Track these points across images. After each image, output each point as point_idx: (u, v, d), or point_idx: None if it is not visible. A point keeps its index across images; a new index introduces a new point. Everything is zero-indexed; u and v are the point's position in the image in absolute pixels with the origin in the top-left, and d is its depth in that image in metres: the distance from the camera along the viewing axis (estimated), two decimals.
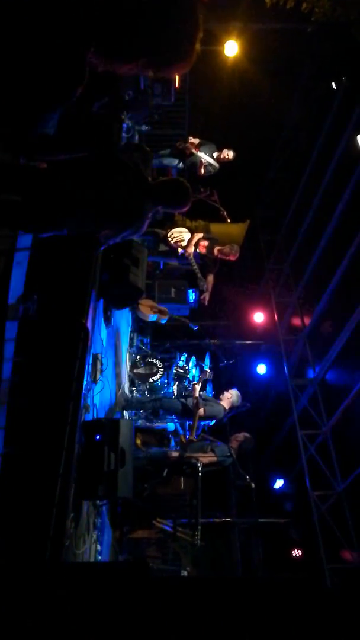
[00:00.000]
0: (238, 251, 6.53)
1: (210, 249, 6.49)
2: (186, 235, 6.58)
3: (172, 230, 6.62)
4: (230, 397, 6.10)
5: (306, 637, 2.63)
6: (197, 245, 6.51)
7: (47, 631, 2.44)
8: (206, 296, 6.73)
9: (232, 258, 6.50)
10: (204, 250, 6.51)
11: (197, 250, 6.53)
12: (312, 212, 9.12)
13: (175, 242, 6.51)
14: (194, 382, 6.25)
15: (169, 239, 6.54)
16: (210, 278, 6.66)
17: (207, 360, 7.22)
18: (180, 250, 6.49)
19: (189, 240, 6.49)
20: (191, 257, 6.42)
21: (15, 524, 2.66)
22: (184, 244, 6.49)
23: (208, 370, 6.54)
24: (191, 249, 6.41)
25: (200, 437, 5.88)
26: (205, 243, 6.53)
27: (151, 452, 5.72)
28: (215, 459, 5.51)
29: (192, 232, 6.67)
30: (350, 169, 7.56)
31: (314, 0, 6.42)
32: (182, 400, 6.08)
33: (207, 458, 5.44)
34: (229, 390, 6.21)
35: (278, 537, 9.25)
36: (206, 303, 6.84)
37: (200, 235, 6.58)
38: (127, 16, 1.34)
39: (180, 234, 6.58)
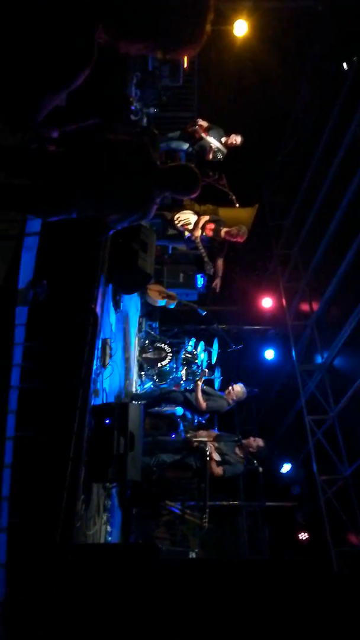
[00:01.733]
0: (246, 233, 6.35)
1: (217, 231, 6.36)
2: (193, 218, 6.48)
3: (179, 214, 6.54)
4: (235, 392, 6.07)
5: (313, 618, 2.67)
6: (204, 228, 6.37)
7: (58, 610, 2.50)
8: (218, 282, 6.61)
9: (239, 240, 6.33)
10: (210, 233, 6.38)
11: (204, 234, 6.42)
12: (322, 197, 9.01)
13: (182, 226, 6.43)
14: (197, 379, 6.24)
15: (176, 222, 6.47)
16: (220, 262, 6.51)
17: (214, 349, 7.19)
18: (187, 233, 6.41)
19: (196, 223, 6.37)
20: (198, 240, 6.31)
21: (27, 506, 2.71)
22: (190, 227, 6.40)
23: (207, 370, 6.52)
24: (198, 232, 6.30)
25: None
26: (212, 226, 6.41)
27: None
28: (222, 474, 5.43)
29: (199, 215, 6.58)
30: None
31: None
32: (187, 394, 6.09)
33: (215, 470, 5.38)
34: (234, 385, 6.13)
35: (285, 521, 9.35)
36: (218, 289, 6.73)
37: (207, 217, 6.46)
38: None
39: (186, 217, 6.50)
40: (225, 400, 6.07)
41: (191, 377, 6.54)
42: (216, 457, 5.47)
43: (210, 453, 5.35)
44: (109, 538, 4.28)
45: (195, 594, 2.78)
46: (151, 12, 1.35)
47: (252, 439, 5.65)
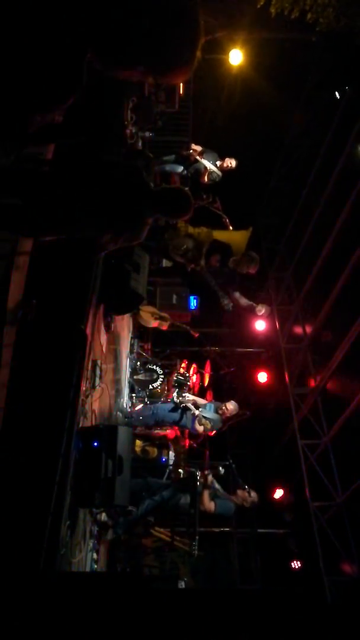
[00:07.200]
0: (258, 262, 5.83)
1: (224, 262, 5.95)
2: (191, 243, 5.97)
3: (174, 241, 6.08)
4: (228, 410, 6.02)
5: None
6: (208, 258, 5.94)
7: None
8: (263, 309, 5.94)
9: (251, 271, 5.86)
10: (217, 264, 5.97)
11: (210, 265, 5.95)
12: (315, 221, 9.12)
13: (182, 255, 5.84)
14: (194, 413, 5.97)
15: (173, 252, 5.95)
16: (237, 295, 5.92)
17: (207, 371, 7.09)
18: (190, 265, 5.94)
19: (198, 250, 5.81)
20: (204, 270, 5.81)
21: (9, 531, 2.62)
22: (190, 254, 5.82)
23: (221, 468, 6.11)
24: (202, 262, 5.83)
25: (207, 480, 5.55)
26: (217, 257, 6.03)
27: (149, 482, 5.61)
28: (213, 511, 5.35)
29: (199, 242, 6.07)
30: (353, 178, 7.57)
31: (319, 11, 6.44)
32: (184, 417, 6.03)
33: (206, 506, 5.29)
34: (227, 404, 6.10)
35: (277, 548, 9.16)
36: (263, 312, 6.10)
37: (207, 243, 5.95)
38: (126, 22, 1.33)
39: (184, 245, 5.89)
40: (218, 418, 6.02)
41: (180, 404, 6.38)
42: (208, 492, 5.37)
43: (203, 482, 5.27)
44: (95, 566, 4.15)
45: (183, 626, 2.68)
46: (141, 39, 1.35)
47: (246, 494, 5.49)
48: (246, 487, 5.63)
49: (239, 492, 5.58)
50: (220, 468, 5.70)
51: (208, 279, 5.81)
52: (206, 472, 5.70)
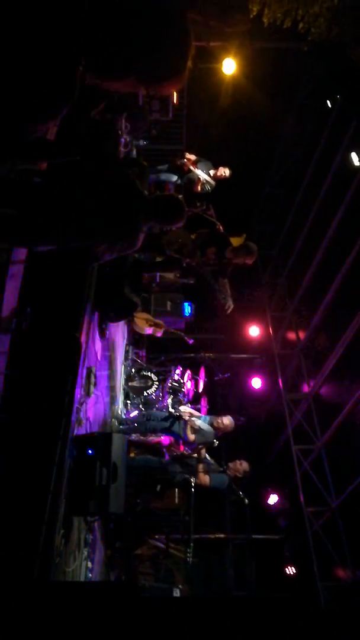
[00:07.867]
0: (255, 252, 5.59)
1: (221, 254, 5.66)
2: (185, 235, 5.64)
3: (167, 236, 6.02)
4: (224, 425, 5.97)
5: None
6: (204, 251, 5.71)
7: None
8: (229, 303, 5.76)
9: (248, 262, 5.64)
10: (213, 257, 5.72)
11: (207, 256, 5.73)
12: (308, 227, 9.19)
13: (177, 248, 5.49)
14: (186, 411, 6.06)
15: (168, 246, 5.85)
16: (225, 282, 5.74)
17: (201, 377, 7.07)
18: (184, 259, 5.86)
19: (193, 242, 5.62)
20: (200, 263, 5.68)
21: (3, 540, 2.62)
22: (185, 249, 5.49)
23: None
24: (197, 254, 5.64)
25: (201, 454, 5.66)
26: (214, 249, 5.72)
27: (147, 460, 5.61)
28: (208, 484, 5.37)
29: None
30: (345, 185, 7.64)
31: (310, 21, 6.52)
32: (175, 425, 5.99)
33: (201, 480, 5.32)
34: (223, 418, 6.03)
35: (272, 554, 9.15)
36: (229, 310, 5.87)
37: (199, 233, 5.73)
38: (117, 34, 1.35)
39: (178, 238, 5.56)
40: (212, 432, 5.99)
41: (175, 412, 6.34)
42: (202, 467, 5.41)
43: (197, 457, 5.36)
44: (90, 575, 4.14)
45: (178, 635, 2.68)
46: (131, 51, 1.38)
47: (237, 462, 5.58)
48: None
49: (231, 464, 5.63)
50: (215, 441, 5.71)
51: (205, 273, 5.72)
52: (199, 446, 5.71)
